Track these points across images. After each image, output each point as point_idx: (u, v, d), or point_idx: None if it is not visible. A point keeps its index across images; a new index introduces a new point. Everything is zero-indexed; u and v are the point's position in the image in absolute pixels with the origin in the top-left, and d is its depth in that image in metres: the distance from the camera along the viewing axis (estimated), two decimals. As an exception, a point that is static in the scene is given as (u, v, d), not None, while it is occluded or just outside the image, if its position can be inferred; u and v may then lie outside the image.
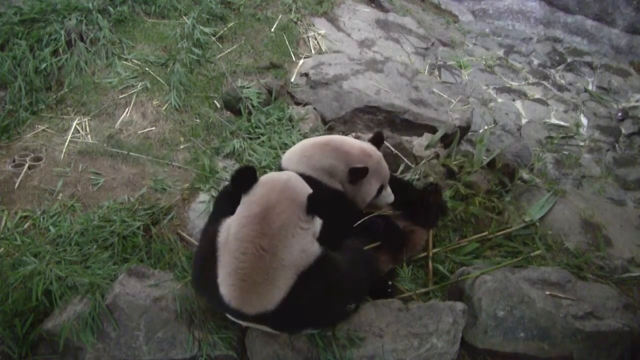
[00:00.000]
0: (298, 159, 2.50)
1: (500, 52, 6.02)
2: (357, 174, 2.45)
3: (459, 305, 2.34)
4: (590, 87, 5.64)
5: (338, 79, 4.13)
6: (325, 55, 4.50)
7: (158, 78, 3.71)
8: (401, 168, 3.41)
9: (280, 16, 4.60)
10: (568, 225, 3.07)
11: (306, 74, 4.16)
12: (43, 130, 3.31)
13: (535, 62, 5.98)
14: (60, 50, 3.67)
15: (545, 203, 3.14)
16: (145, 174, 3.10)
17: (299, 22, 4.70)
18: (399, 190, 2.71)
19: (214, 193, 2.98)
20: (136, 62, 3.79)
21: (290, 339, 2.20)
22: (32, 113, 3.42)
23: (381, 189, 2.59)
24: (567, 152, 4.65)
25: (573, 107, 5.28)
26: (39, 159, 3.11)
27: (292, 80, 4.12)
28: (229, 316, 2.10)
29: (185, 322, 2.26)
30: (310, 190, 2.12)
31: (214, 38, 4.17)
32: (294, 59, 4.33)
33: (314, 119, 3.72)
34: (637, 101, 5.47)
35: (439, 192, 2.88)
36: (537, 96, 5.37)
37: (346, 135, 3.60)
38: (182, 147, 3.37)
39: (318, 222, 2.12)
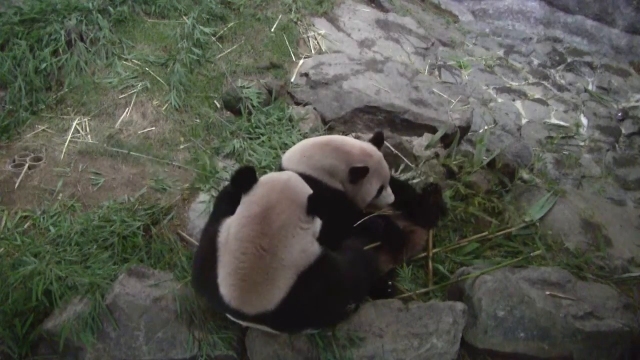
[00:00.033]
0: (298, 159, 2.50)
1: (500, 52, 6.02)
2: (358, 173, 2.45)
3: (459, 305, 2.34)
4: (590, 87, 5.64)
5: (338, 79, 4.13)
6: (325, 55, 4.50)
7: (158, 78, 3.71)
8: (401, 168, 3.40)
9: (280, 16, 4.60)
10: (568, 225, 3.07)
11: (306, 74, 4.16)
12: (43, 130, 3.31)
13: (535, 62, 5.98)
14: (60, 50, 3.67)
15: (545, 203, 3.14)
16: (145, 174, 3.10)
17: (299, 22, 4.70)
18: (398, 191, 2.71)
19: (214, 193, 2.98)
20: (136, 62, 3.79)
21: (290, 339, 2.20)
22: (32, 113, 3.42)
23: (381, 189, 2.59)
24: (567, 152, 4.64)
25: (573, 107, 5.28)
26: (39, 159, 3.11)
27: (292, 80, 4.12)
28: (229, 316, 2.10)
29: (185, 322, 2.26)
30: (310, 191, 2.12)
31: (214, 38, 4.17)
32: (294, 59, 4.33)
33: (314, 119, 3.72)
34: (637, 101, 5.47)
35: (439, 192, 2.88)
36: (537, 96, 5.37)
37: (346, 135, 3.60)
38: (182, 147, 3.37)
39: (318, 222, 2.12)
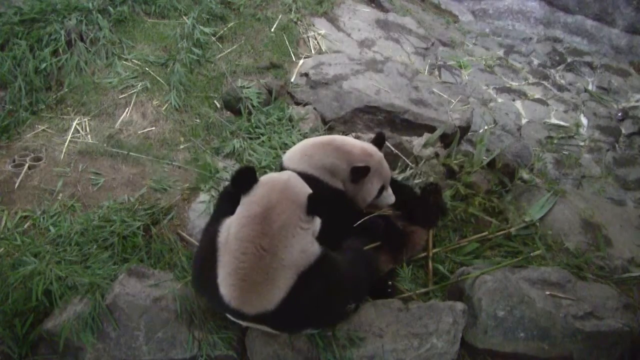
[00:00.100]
0: (299, 158, 2.50)
1: (500, 52, 6.02)
2: (359, 172, 2.46)
3: (459, 305, 2.34)
4: (590, 87, 5.64)
5: (338, 79, 4.13)
6: (325, 55, 4.50)
7: (158, 78, 3.71)
8: (401, 168, 3.40)
9: (280, 16, 4.60)
10: (568, 225, 3.07)
11: (306, 74, 4.16)
12: (43, 130, 3.31)
13: (535, 62, 5.98)
14: (60, 50, 3.67)
15: (545, 203, 3.14)
16: (145, 174, 3.10)
17: (299, 22, 4.70)
18: (398, 191, 2.71)
19: (214, 193, 2.98)
20: (136, 62, 3.79)
21: (290, 339, 2.20)
22: (32, 113, 3.42)
23: (382, 189, 2.59)
24: (567, 152, 4.64)
25: (573, 107, 5.28)
26: (39, 159, 3.11)
27: (292, 80, 4.12)
28: (229, 316, 2.10)
29: (185, 322, 2.26)
30: (310, 190, 2.12)
31: (214, 38, 4.17)
32: (294, 59, 4.33)
33: (314, 119, 3.72)
34: (637, 101, 5.47)
35: (439, 192, 2.88)
36: (537, 96, 5.37)
37: (346, 135, 3.60)
38: (182, 147, 3.37)
39: (317, 222, 2.12)
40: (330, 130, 3.78)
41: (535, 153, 4.48)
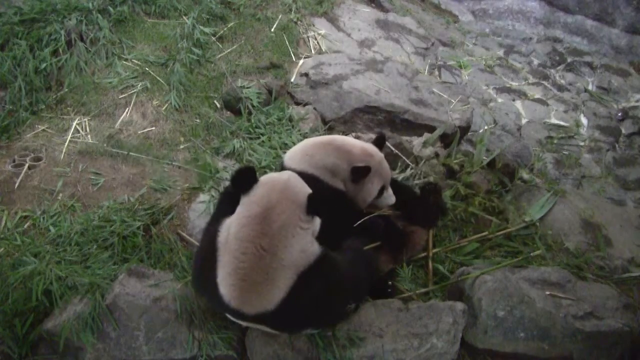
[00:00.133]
0: (300, 158, 2.50)
1: (500, 52, 6.02)
2: (360, 172, 2.46)
3: (459, 305, 2.34)
4: (590, 87, 5.64)
5: (338, 79, 4.13)
6: (325, 55, 4.50)
7: (158, 78, 3.71)
8: (401, 168, 3.40)
9: (280, 16, 4.60)
10: (568, 225, 3.07)
11: (306, 74, 4.16)
12: (43, 130, 3.31)
13: (535, 62, 5.98)
14: (60, 50, 3.67)
15: (545, 203, 3.14)
16: (145, 174, 3.10)
17: (299, 22, 4.70)
18: (398, 191, 2.71)
19: (214, 193, 2.98)
20: (136, 62, 3.79)
21: (290, 339, 2.20)
22: (32, 113, 3.42)
23: (382, 189, 2.59)
24: (567, 152, 4.65)
25: (573, 107, 5.28)
26: (39, 159, 3.11)
27: (292, 80, 4.12)
28: (228, 316, 2.10)
29: (185, 322, 2.26)
30: (310, 190, 2.12)
31: (214, 38, 4.17)
32: (294, 59, 4.33)
33: (314, 119, 3.72)
34: (637, 101, 5.47)
35: (439, 192, 2.88)
36: (537, 96, 5.37)
37: (346, 135, 3.60)
38: (182, 147, 3.37)
39: (317, 222, 2.12)
40: (330, 130, 3.78)
41: (535, 153, 4.48)
